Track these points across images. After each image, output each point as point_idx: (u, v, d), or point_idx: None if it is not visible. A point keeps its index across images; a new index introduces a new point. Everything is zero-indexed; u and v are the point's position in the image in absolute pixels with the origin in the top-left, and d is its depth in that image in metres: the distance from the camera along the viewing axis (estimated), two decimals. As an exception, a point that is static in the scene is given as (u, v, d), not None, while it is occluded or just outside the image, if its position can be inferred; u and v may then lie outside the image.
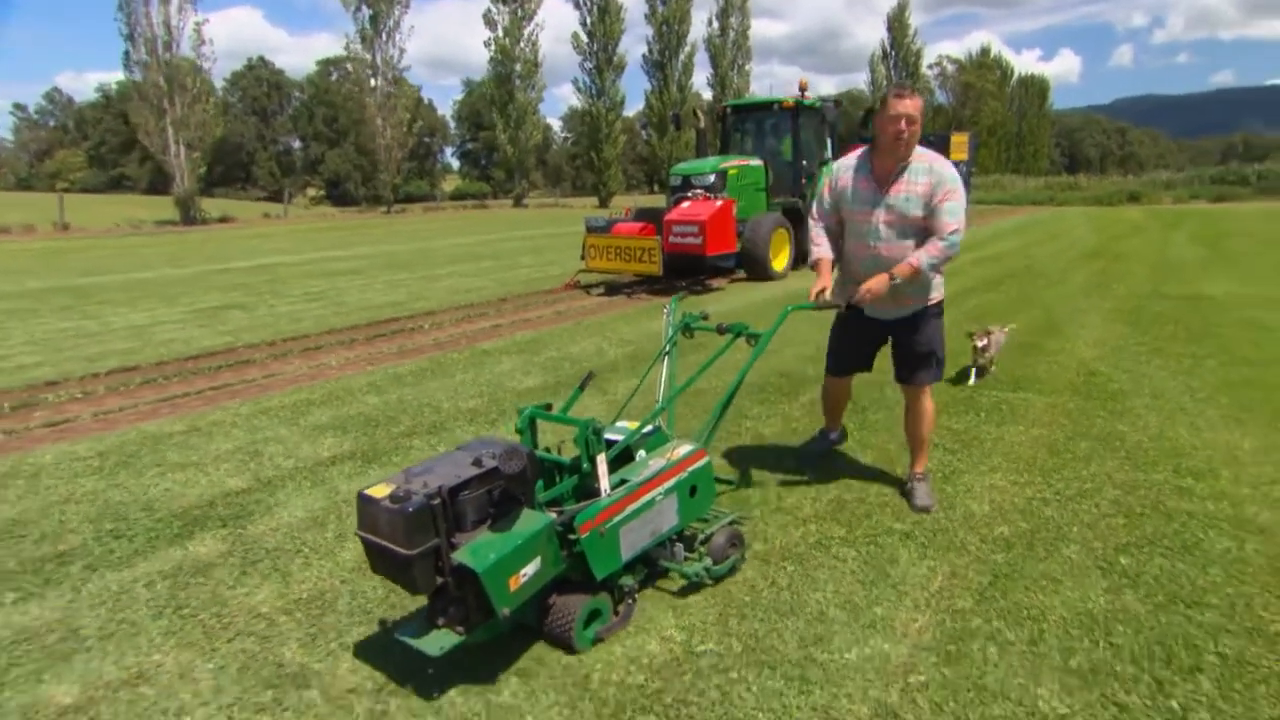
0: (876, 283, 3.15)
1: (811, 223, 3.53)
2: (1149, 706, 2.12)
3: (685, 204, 10.61)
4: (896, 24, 52.90)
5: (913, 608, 2.64)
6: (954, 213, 3.13)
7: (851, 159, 3.38)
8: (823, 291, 3.34)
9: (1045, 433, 4.38)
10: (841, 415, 4.13)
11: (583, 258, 10.82)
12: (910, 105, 3.07)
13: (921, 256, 3.13)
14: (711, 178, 10.82)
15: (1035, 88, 65.84)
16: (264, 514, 3.60)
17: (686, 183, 11.05)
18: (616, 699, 2.22)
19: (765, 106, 12.58)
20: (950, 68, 59.12)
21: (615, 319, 8.44)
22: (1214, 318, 7.46)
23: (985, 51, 62.14)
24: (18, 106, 75.29)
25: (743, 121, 12.94)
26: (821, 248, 3.45)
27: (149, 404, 5.59)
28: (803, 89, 12.08)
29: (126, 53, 32.82)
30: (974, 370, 5.31)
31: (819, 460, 4.02)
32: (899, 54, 52.88)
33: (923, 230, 3.21)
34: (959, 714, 2.11)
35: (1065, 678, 2.25)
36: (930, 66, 57.27)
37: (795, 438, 4.41)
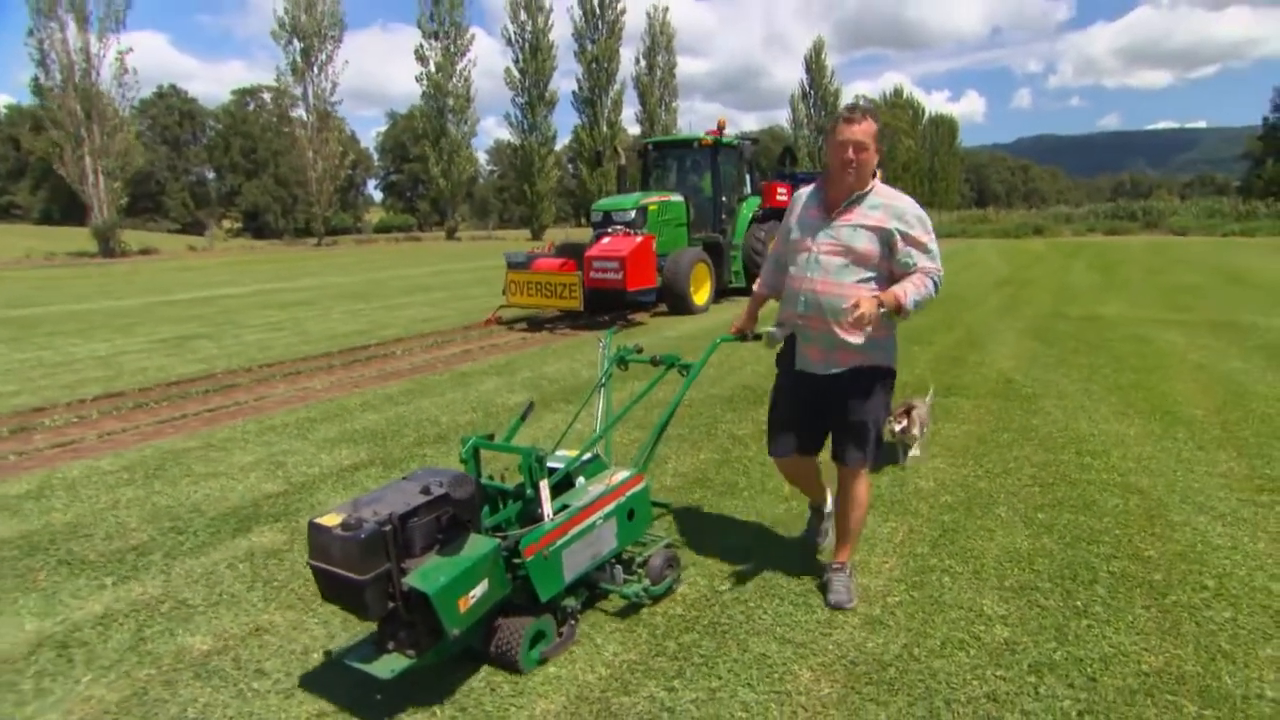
0: (867, 304, 2.63)
1: (769, 252, 3.30)
2: (1062, 605, 2.86)
3: (606, 239, 10.63)
4: (814, 64, 55.40)
5: (883, 554, 3.33)
6: (935, 253, 2.81)
7: (809, 188, 3.06)
8: (744, 326, 3.28)
9: (974, 428, 5.18)
10: (817, 483, 3.35)
11: (504, 292, 10.81)
12: (860, 131, 2.71)
13: (909, 290, 2.71)
14: (632, 213, 10.87)
15: (945, 126, 70.11)
16: (309, 511, 4.01)
17: (608, 218, 11.07)
18: (664, 624, 2.81)
19: (685, 144, 12.95)
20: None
21: (581, 344, 8.98)
22: (1107, 334, 8.58)
23: (898, 92, 66.14)
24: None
25: (664, 158, 13.22)
26: (760, 279, 3.25)
27: (149, 425, 5.86)
28: (721, 127, 12.29)
29: (36, 78, 32.00)
30: (902, 450, 4.47)
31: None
32: (818, 93, 55.36)
33: (877, 269, 2.80)
34: (926, 619, 2.78)
35: (1002, 592, 2.96)
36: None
37: (764, 437, 5.06)
